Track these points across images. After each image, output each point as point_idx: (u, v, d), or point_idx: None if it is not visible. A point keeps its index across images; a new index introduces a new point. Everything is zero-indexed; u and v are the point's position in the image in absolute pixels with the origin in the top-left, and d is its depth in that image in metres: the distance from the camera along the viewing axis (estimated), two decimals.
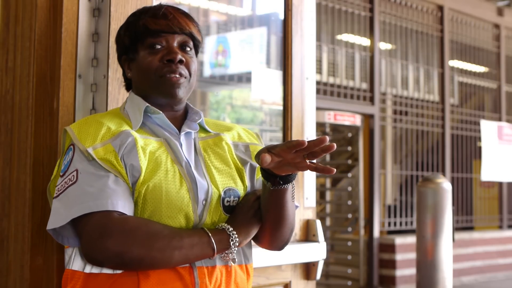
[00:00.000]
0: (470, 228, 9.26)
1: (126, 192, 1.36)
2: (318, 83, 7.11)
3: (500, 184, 9.53)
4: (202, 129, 1.56)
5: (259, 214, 1.46)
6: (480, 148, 8.78)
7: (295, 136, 2.29)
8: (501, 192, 9.59)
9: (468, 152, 9.20)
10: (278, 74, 2.39)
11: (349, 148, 7.47)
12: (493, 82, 9.79)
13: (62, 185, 1.38)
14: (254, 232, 1.45)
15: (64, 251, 1.69)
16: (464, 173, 9.16)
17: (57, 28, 1.73)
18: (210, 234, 1.37)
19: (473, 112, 9.38)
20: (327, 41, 7.58)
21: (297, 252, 2.17)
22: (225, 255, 1.40)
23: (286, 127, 2.29)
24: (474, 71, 9.62)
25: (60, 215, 1.35)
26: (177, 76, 1.47)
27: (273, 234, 1.50)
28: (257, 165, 1.53)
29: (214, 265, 1.40)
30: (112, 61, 1.76)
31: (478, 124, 8.87)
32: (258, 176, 1.54)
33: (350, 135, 7.69)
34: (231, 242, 1.39)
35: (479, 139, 8.87)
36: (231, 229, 1.39)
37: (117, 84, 1.76)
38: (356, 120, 7.49)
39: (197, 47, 1.54)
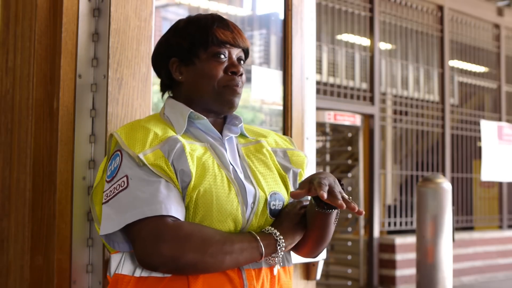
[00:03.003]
0: (470, 228, 9.26)
1: (178, 197, 1.38)
2: (318, 83, 7.11)
3: (500, 184, 9.52)
4: (241, 135, 1.60)
5: (304, 222, 1.50)
6: (480, 148, 8.78)
7: (295, 136, 2.29)
8: (501, 192, 9.59)
9: (468, 152, 9.20)
10: (278, 74, 2.39)
11: (349, 148, 7.47)
12: (493, 82, 9.79)
13: (111, 191, 1.39)
14: (298, 238, 1.49)
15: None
16: (464, 173, 9.16)
17: (57, 28, 1.73)
18: (258, 239, 1.40)
19: (473, 112, 9.38)
20: (327, 41, 7.58)
21: None
22: (271, 258, 1.43)
23: (286, 127, 2.29)
24: (474, 71, 9.62)
25: (112, 220, 1.36)
26: (238, 87, 1.53)
27: (313, 248, 1.56)
28: (299, 170, 1.59)
29: (260, 267, 1.43)
30: (112, 61, 1.76)
31: (478, 124, 8.87)
32: (300, 180, 1.59)
33: (350, 135, 7.69)
34: (278, 247, 1.42)
35: (479, 139, 8.86)
36: (278, 233, 1.42)
37: (117, 84, 1.76)
38: (356, 120, 7.49)
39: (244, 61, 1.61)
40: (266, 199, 1.46)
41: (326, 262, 7.22)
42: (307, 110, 2.34)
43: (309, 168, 2.34)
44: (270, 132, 1.69)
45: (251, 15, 3.01)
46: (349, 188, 7.58)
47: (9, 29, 1.82)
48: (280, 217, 1.48)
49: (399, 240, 7.63)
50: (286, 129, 2.29)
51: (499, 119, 9.54)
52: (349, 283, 7.26)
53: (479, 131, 8.72)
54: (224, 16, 1.59)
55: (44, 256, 1.68)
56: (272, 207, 1.48)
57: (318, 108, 5.89)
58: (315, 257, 1.63)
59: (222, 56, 1.52)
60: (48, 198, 1.68)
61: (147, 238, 1.33)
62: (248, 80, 2.41)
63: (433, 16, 8.77)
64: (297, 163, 1.61)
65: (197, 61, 1.51)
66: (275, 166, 1.56)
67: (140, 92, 1.80)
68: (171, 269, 1.34)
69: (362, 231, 7.70)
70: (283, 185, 1.54)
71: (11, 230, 1.74)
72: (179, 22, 1.59)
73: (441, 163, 8.73)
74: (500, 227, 9.55)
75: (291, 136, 2.27)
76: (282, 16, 2.36)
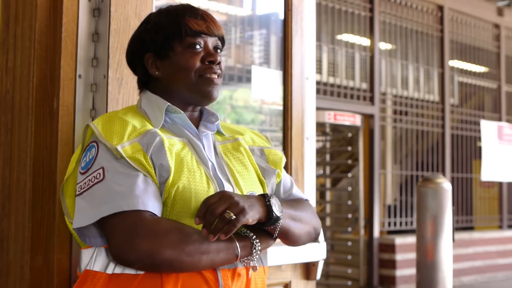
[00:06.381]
0: (470, 228, 9.26)
1: (156, 192, 1.35)
2: (318, 83, 7.11)
3: (500, 184, 9.53)
4: (218, 132, 1.57)
5: None
6: (480, 148, 8.78)
7: (295, 136, 2.29)
8: (501, 192, 9.59)
9: (468, 152, 9.20)
10: (278, 74, 2.39)
11: (349, 148, 7.47)
12: (493, 82, 9.79)
13: (86, 183, 1.36)
14: (273, 242, 1.45)
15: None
16: (464, 173, 9.16)
17: (57, 28, 1.73)
18: (235, 240, 1.36)
19: (473, 112, 9.38)
20: (327, 41, 7.59)
21: (297, 252, 2.17)
22: (246, 259, 1.39)
23: (286, 127, 2.29)
24: (474, 71, 9.62)
25: (86, 213, 1.33)
26: (216, 76, 1.51)
27: (292, 245, 1.52)
28: (277, 171, 1.57)
29: (235, 267, 1.40)
30: (112, 61, 1.76)
31: (478, 124, 8.87)
32: (278, 180, 1.58)
33: (350, 135, 7.69)
34: (254, 250, 1.38)
35: (479, 139, 8.86)
36: (254, 236, 1.38)
37: (117, 84, 1.76)
38: (356, 120, 7.49)
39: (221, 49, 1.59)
40: None
41: (326, 262, 7.22)
42: (307, 110, 2.34)
43: (308, 168, 2.34)
44: (246, 130, 1.66)
45: (251, 15, 3.01)
46: (349, 188, 7.58)
47: (9, 29, 1.83)
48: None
49: (399, 240, 7.63)
50: (286, 129, 2.29)
51: (499, 119, 9.54)
52: (349, 283, 7.26)
53: (479, 131, 8.73)
54: (224, 16, 1.59)
55: (44, 256, 1.68)
56: None
57: (318, 108, 5.89)
58: (304, 244, 1.58)
59: (198, 47, 1.49)
60: (48, 198, 1.68)
61: (123, 233, 1.29)
62: (248, 80, 2.41)
63: (433, 16, 8.77)
64: (274, 162, 1.59)
65: (172, 54, 1.49)
66: (252, 165, 1.54)
67: None
68: (147, 265, 1.30)
69: (362, 231, 7.70)
70: (260, 185, 1.52)
71: (11, 230, 1.74)
72: (150, 16, 1.56)
73: (441, 163, 8.73)
74: (500, 227, 9.55)
75: (291, 136, 2.28)
76: (282, 16, 2.36)
